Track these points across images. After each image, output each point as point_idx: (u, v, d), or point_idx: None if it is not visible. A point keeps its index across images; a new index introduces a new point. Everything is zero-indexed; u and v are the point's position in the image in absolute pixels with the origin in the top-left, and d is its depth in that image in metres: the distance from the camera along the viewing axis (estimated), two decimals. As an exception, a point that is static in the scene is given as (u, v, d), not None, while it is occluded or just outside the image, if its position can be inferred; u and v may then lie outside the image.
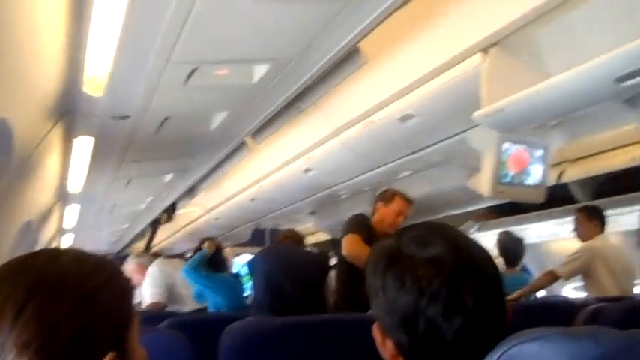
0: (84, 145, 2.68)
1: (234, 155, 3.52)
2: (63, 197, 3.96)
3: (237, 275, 3.72)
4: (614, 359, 0.55)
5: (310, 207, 4.88)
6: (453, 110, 2.36)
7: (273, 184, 4.06)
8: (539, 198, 2.71)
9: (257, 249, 5.60)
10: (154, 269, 3.45)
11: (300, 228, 5.78)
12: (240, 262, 6.53)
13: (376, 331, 0.79)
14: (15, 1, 1.22)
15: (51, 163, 2.79)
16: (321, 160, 3.34)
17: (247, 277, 4.78)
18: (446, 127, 2.67)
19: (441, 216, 3.91)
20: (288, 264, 2.63)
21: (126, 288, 0.76)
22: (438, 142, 2.84)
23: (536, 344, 0.62)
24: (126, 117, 2.27)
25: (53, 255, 0.72)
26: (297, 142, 3.33)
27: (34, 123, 1.95)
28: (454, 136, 2.70)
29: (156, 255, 4.30)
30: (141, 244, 7.11)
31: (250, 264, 2.85)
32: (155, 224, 5.98)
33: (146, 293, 3.37)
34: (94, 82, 1.90)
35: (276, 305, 2.54)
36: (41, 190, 3.11)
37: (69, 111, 2.19)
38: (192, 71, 1.86)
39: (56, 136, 2.39)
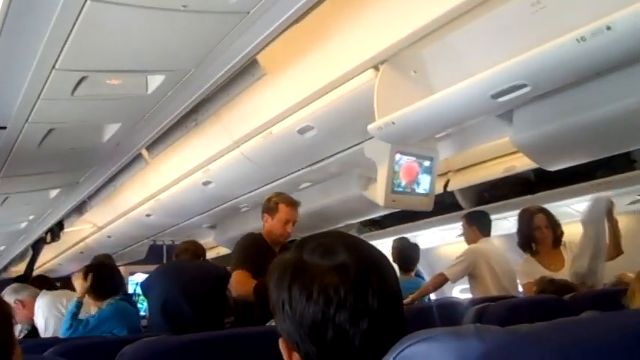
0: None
1: (129, 168, 3.36)
2: None
3: (131, 296, 3.48)
4: (497, 354, 0.59)
5: (210, 221, 4.78)
6: (349, 122, 2.44)
7: (171, 198, 3.93)
8: (428, 206, 2.89)
9: (154, 267, 5.37)
10: (55, 305, 2.90)
11: (200, 242, 5.63)
12: (135, 281, 6.19)
13: (282, 347, 0.80)
14: None
15: None
16: (221, 173, 3.30)
17: (142, 297, 4.56)
18: (343, 139, 2.76)
19: (340, 225, 4.02)
20: (182, 281, 2.53)
21: (4, 318, 0.71)
22: (336, 154, 2.92)
23: (426, 345, 0.66)
24: (2, 128, 2.09)
25: None
26: (195, 154, 3.26)
27: None
28: (351, 147, 2.80)
29: (40, 282, 3.71)
30: (20, 268, 6.49)
31: (143, 284, 2.68)
32: (38, 244, 5.49)
33: (52, 332, 2.82)
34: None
35: (172, 326, 2.45)
36: None
37: None
38: (81, 80, 1.76)
39: None
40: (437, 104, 2.00)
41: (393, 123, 2.10)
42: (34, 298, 3.07)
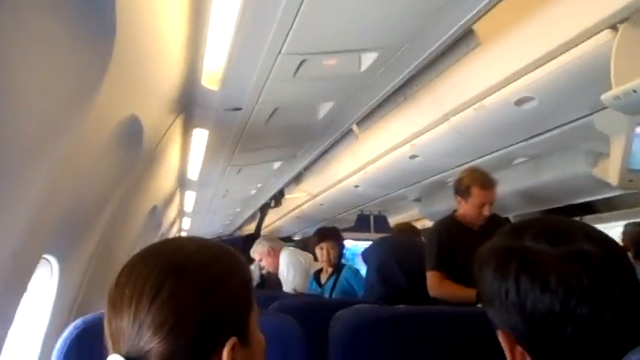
0: (200, 136, 2.85)
1: (341, 142, 3.56)
2: (182, 184, 4.27)
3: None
4: None
5: (416, 193, 4.79)
6: (576, 92, 2.17)
7: (378, 171, 4.04)
8: (678, 187, 2.43)
9: (361, 234, 5.64)
10: (297, 259, 3.61)
11: (404, 215, 5.72)
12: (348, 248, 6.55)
13: (503, 340, 0.75)
14: (138, 4, 1.31)
15: (172, 154, 3.01)
16: (428, 146, 3.25)
17: (351, 262, 4.82)
18: (568, 110, 2.46)
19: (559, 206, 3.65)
20: (397, 253, 2.63)
21: (246, 277, 0.80)
22: (559, 127, 2.63)
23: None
24: (238, 109, 2.37)
25: (179, 244, 0.77)
26: (403, 128, 3.26)
27: (158, 117, 2.10)
28: (577, 119, 2.49)
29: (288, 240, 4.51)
30: (251, 227, 7.47)
31: (363, 254, 2.89)
32: (264, 208, 6.25)
33: (290, 281, 3.52)
34: (211, 76, 2.00)
35: (387, 291, 2.57)
36: (164, 179, 3.37)
37: (188, 104, 2.33)
38: (301, 63, 1.89)
39: (177, 129, 2.57)
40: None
41: (635, 92, 1.79)
42: (280, 248, 3.83)
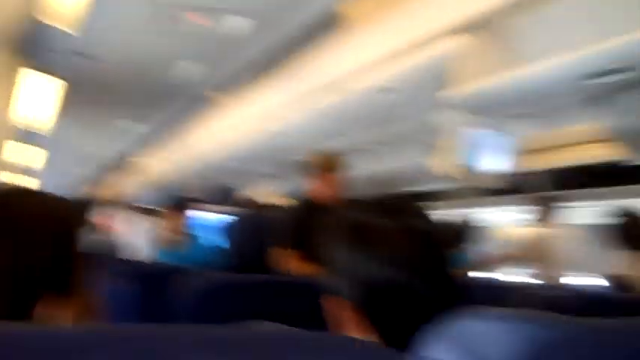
0: (43, 82, 2.57)
1: (201, 109, 3.47)
2: (18, 135, 3.81)
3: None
4: (571, 344, 0.56)
5: (273, 170, 4.86)
6: (426, 87, 2.37)
7: (236, 143, 4.00)
8: (497, 183, 2.78)
9: (214, 207, 5.58)
10: (146, 227, 3.52)
11: (261, 191, 5.78)
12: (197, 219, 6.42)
13: (334, 306, 0.79)
14: None
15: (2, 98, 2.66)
16: (288, 123, 3.31)
17: (201, 233, 4.77)
18: (418, 104, 2.67)
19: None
20: (257, 230, 2.68)
21: (82, 236, 0.77)
22: (409, 118, 2.85)
23: (480, 322, 0.65)
24: (92, 57, 2.19)
25: (20, 194, 0.73)
26: (266, 102, 3.28)
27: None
28: (425, 113, 2.72)
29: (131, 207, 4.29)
30: (98, 190, 6.97)
31: (223, 226, 2.95)
32: (114, 171, 5.88)
33: (137, 247, 3.39)
34: (60, 16, 1.81)
35: (239, 263, 2.61)
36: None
37: (29, 43, 2.09)
38: (167, 14, 1.80)
39: (11, 69, 2.28)
40: (521, 79, 1.90)
41: (470, 93, 2.02)
42: (129, 214, 3.73)
